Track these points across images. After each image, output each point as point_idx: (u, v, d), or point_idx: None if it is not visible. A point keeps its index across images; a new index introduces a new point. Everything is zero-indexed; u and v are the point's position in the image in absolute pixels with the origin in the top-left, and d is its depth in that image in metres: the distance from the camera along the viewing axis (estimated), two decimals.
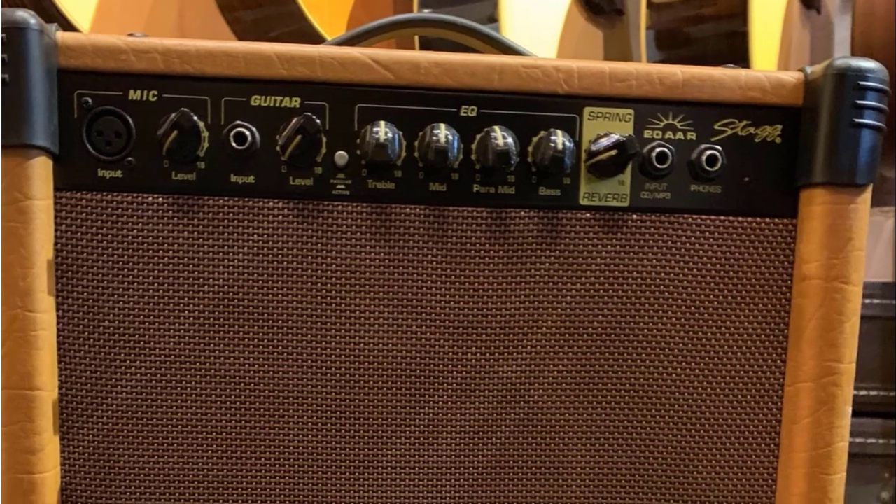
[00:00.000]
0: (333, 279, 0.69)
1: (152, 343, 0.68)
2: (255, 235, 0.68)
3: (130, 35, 0.67)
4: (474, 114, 0.69)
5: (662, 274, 0.70)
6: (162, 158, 0.67)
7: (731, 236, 0.70)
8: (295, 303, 0.69)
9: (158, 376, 0.69)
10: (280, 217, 0.68)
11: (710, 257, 0.70)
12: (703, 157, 0.69)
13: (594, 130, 0.69)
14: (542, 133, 0.68)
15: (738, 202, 0.71)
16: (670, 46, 1.79)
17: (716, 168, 0.69)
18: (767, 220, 0.71)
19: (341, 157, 0.68)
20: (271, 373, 0.69)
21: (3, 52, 0.63)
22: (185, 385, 0.69)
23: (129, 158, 0.67)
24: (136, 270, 0.67)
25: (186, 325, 0.68)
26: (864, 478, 1.63)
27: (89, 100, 0.66)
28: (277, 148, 0.67)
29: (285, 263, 0.68)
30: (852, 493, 1.55)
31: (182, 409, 0.69)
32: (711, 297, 0.71)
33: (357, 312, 0.69)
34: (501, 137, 0.67)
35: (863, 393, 1.59)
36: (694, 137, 0.70)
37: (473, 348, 0.70)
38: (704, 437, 0.73)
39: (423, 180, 0.69)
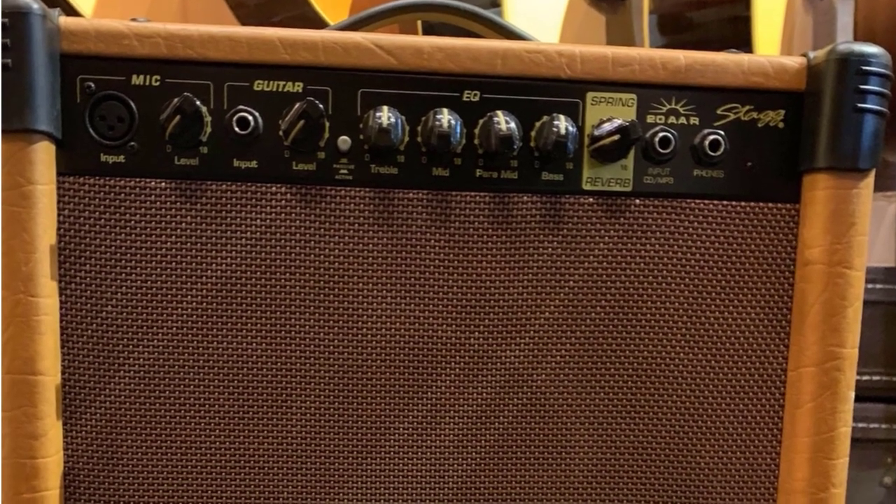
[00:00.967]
0: (336, 264, 0.70)
1: (155, 328, 0.69)
2: (258, 220, 0.69)
3: (133, 20, 0.68)
4: (477, 99, 0.69)
5: (665, 259, 0.71)
6: (165, 143, 0.68)
7: (733, 221, 0.71)
8: (298, 287, 0.70)
9: (161, 361, 0.70)
10: (283, 202, 0.69)
11: (713, 242, 0.71)
12: (706, 142, 0.70)
13: (597, 115, 0.70)
14: (545, 118, 0.69)
15: (740, 187, 0.71)
16: (673, 31, 1.79)
17: (718, 153, 0.70)
18: (770, 204, 0.71)
19: (344, 141, 0.69)
20: (274, 357, 0.70)
21: (5, 37, 0.64)
22: (188, 369, 0.70)
23: (132, 143, 0.68)
24: (138, 255, 0.68)
25: (189, 309, 0.69)
26: (866, 462, 1.63)
27: (92, 85, 0.67)
28: (280, 133, 0.68)
29: (288, 248, 0.69)
30: (855, 478, 1.56)
31: (185, 394, 0.70)
32: (714, 281, 0.72)
33: (360, 297, 0.70)
34: (504, 122, 0.68)
35: (865, 378, 1.60)
36: (697, 122, 0.71)
37: (476, 333, 0.71)
38: (707, 422, 0.74)
39: (425, 165, 0.70)
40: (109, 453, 0.71)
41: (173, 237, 0.69)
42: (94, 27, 0.67)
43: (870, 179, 0.70)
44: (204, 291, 0.69)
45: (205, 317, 0.69)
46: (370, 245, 0.70)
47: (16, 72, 0.64)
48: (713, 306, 0.72)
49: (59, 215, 0.68)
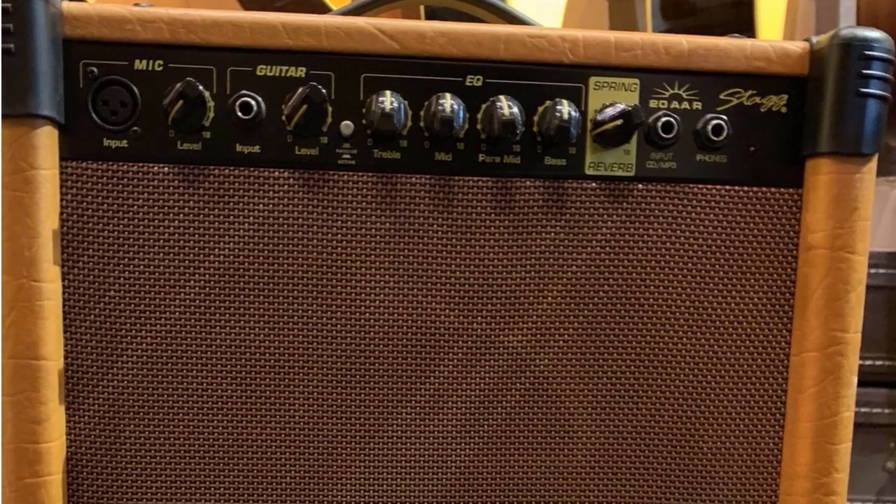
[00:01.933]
0: (339, 248, 0.71)
1: (158, 312, 0.70)
2: (261, 205, 0.70)
3: (136, 5, 0.69)
4: (480, 84, 0.70)
5: (668, 243, 0.72)
6: (167, 128, 0.69)
7: (736, 206, 0.72)
8: (301, 272, 0.71)
9: (164, 346, 0.71)
10: (285, 187, 0.70)
11: (716, 227, 0.72)
12: (709, 127, 0.71)
13: (600, 100, 0.71)
14: (548, 103, 0.70)
15: (743, 172, 0.73)
16: (676, 16, 1.80)
17: (721, 138, 0.71)
18: (773, 189, 0.73)
19: (347, 126, 0.70)
20: (277, 341, 0.71)
21: (8, 22, 0.65)
22: (190, 354, 0.71)
23: (135, 128, 0.69)
24: (141, 240, 0.70)
25: (192, 294, 0.70)
26: (869, 447, 1.65)
27: (95, 69, 0.68)
28: (283, 118, 0.69)
29: (291, 233, 0.70)
30: (858, 463, 1.58)
31: (188, 378, 0.71)
32: (717, 266, 0.73)
33: (363, 281, 0.71)
34: (507, 107, 0.69)
35: (868, 362, 1.61)
36: (700, 107, 0.72)
37: (479, 318, 0.72)
38: (710, 407, 0.75)
39: (428, 150, 0.71)
40: (112, 438, 0.72)
41: (176, 222, 0.70)
42: (96, 12, 0.68)
43: (872, 164, 0.71)
44: (207, 276, 0.70)
45: (208, 301, 0.71)
46: (373, 230, 0.71)
47: (18, 57, 0.65)
48: (716, 291, 0.73)
49: (61, 200, 0.69)
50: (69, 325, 0.70)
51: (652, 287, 0.73)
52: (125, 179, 0.69)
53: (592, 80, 0.71)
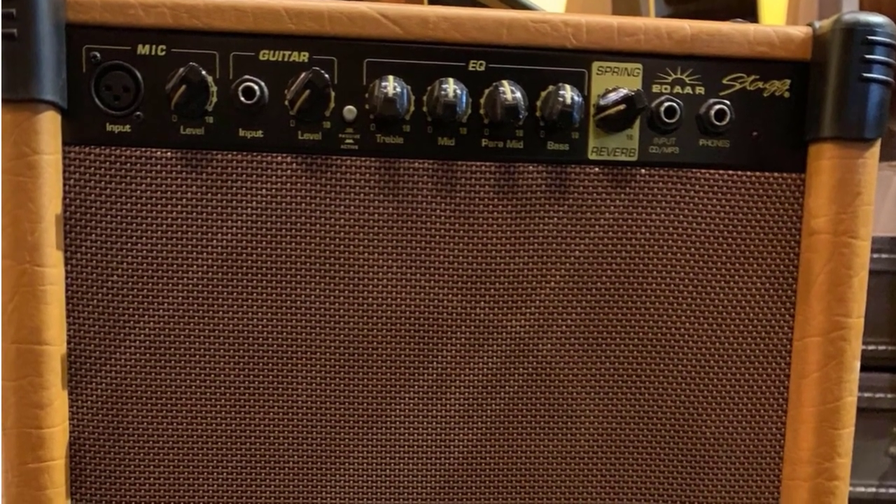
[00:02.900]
0: (342, 234, 0.72)
1: (161, 297, 0.71)
2: (264, 190, 0.71)
3: None
4: (483, 68, 0.71)
5: (671, 228, 0.73)
6: (170, 113, 0.70)
7: (739, 191, 0.73)
8: (303, 257, 0.72)
9: (167, 331, 0.72)
10: (288, 171, 0.71)
11: (719, 212, 0.73)
12: (712, 112, 0.72)
13: (602, 85, 0.72)
14: (551, 88, 0.71)
15: (746, 157, 0.73)
16: (679, 1, 1.81)
17: (724, 123, 0.72)
18: (776, 174, 0.73)
19: (350, 111, 0.71)
20: (279, 327, 0.72)
21: (11, 7, 0.66)
22: (193, 339, 0.72)
23: (138, 113, 0.70)
24: (144, 225, 0.70)
25: (195, 279, 0.71)
26: (872, 432, 1.65)
27: (98, 54, 0.69)
28: (286, 102, 0.70)
29: (294, 218, 0.71)
30: (860, 448, 1.58)
31: (191, 364, 0.72)
32: (720, 251, 0.74)
33: (365, 267, 0.72)
34: (510, 92, 0.70)
35: (871, 347, 1.61)
36: (702, 92, 0.73)
37: (482, 303, 0.73)
38: (713, 392, 0.76)
39: (431, 135, 0.72)
40: (115, 423, 0.73)
41: (179, 207, 0.71)
42: None
43: (875, 149, 0.72)
44: (210, 261, 0.71)
45: (211, 286, 0.71)
46: (376, 215, 0.72)
47: (21, 42, 0.66)
48: (719, 276, 0.74)
49: (64, 185, 0.70)
50: (72, 310, 0.71)
51: (655, 272, 0.74)
52: (128, 164, 0.70)
53: (595, 65, 0.72)
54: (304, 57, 0.70)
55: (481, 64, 0.71)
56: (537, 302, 0.73)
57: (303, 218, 0.71)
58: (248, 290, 0.72)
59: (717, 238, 0.74)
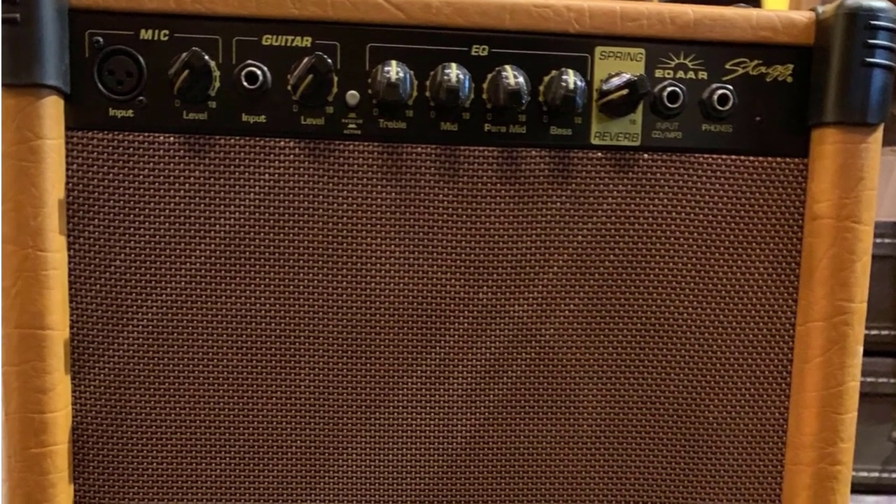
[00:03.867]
0: (345, 218, 0.72)
1: (164, 282, 0.72)
2: (267, 175, 0.72)
3: None
4: (485, 53, 0.72)
5: (674, 213, 0.74)
6: (173, 98, 0.71)
7: (742, 176, 0.74)
8: (306, 242, 0.72)
9: (170, 315, 0.73)
10: (291, 156, 0.72)
11: (722, 197, 0.74)
12: (715, 97, 0.73)
13: (605, 70, 0.73)
14: (554, 72, 0.72)
15: (749, 142, 0.74)
16: None
17: (727, 107, 0.73)
18: (779, 159, 0.74)
19: (352, 96, 0.72)
20: (283, 311, 0.73)
21: None
22: (196, 324, 0.73)
23: (141, 98, 0.71)
24: (147, 210, 0.71)
25: (198, 264, 0.72)
26: (875, 417, 1.65)
27: (100, 39, 0.70)
28: (289, 87, 0.71)
29: (296, 202, 0.72)
30: (863, 433, 1.59)
31: (193, 348, 0.73)
32: (723, 236, 0.75)
33: (368, 252, 0.73)
34: (513, 77, 0.70)
35: (874, 332, 1.62)
36: (705, 77, 0.74)
37: (485, 288, 0.74)
38: (716, 377, 0.76)
39: (434, 120, 0.72)
40: (118, 408, 0.73)
41: (182, 192, 0.71)
42: None
43: (878, 134, 0.73)
44: (213, 246, 0.72)
45: (213, 271, 0.72)
46: (378, 199, 0.72)
47: (24, 26, 0.67)
48: (721, 261, 0.75)
49: (67, 170, 0.70)
50: (74, 295, 0.72)
51: (657, 257, 0.74)
52: (131, 149, 0.71)
53: (598, 49, 0.73)
54: (306, 42, 0.71)
55: (484, 49, 0.72)
56: (540, 286, 0.74)
57: (305, 203, 0.72)
58: (252, 274, 0.72)
59: (719, 223, 0.74)
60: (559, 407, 0.76)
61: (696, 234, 0.74)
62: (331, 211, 0.72)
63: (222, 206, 0.72)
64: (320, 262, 0.73)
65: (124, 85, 0.70)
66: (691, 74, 0.73)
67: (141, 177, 0.71)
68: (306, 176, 0.72)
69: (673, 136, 0.74)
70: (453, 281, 0.74)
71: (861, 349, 0.75)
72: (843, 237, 0.73)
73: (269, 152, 0.71)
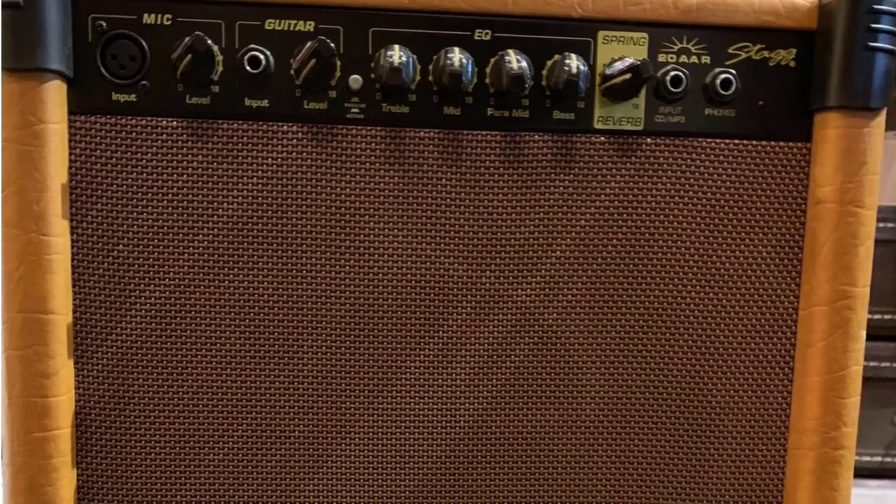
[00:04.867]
0: (347, 203, 0.73)
1: (166, 267, 0.73)
2: (270, 159, 0.72)
3: None
4: (488, 38, 0.73)
5: (676, 198, 0.75)
6: (176, 82, 0.71)
7: (745, 160, 0.75)
8: (309, 226, 0.73)
9: (173, 300, 0.73)
10: (294, 141, 0.72)
11: (725, 181, 0.75)
12: (718, 81, 0.74)
13: (608, 54, 0.74)
14: (557, 57, 0.73)
15: (752, 126, 0.75)
16: None
17: (730, 92, 0.74)
18: (781, 143, 0.75)
19: (355, 80, 0.72)
20: (285, 297, 0.74)
21: None
22: (199, 309, 0.74)
23: (144, 82, 0.71)
24: (150, 194, 0.72)
25: (201, 248, 0.73)
26: (878, 401, 1.66)
27: (103, 23, 0.70)
28: (291, 72, 0.72)
29: (299, 187, 0.73)
30: (866, 417, 1.59)
31: (196, 333, 0.74)
32: (725, 220, 0.75)
33: (371, 236, 0.74)
34: (516, 61, 0.71)
35: (877, 317, 1.62)
36: (708, 61, 0.74)
37: (487, 272, 0.75)
38: (718, 362, 0.77)
39: (437, 104, 0.73)
40: (121, 392, 0.74)
41: (185, 176, 0.72)
42: None
43: (881, 118, 0.73)
44: (215, 230, 0.73)
45: (216, 255, 0.73)
46: (381, 184, 0.73)
47: (27, 10, 0.67)
48: (724, 245, 0.76)
49: (70, 154, 0.71)
50: (78, 280, 0.72)
51: (660, 241, 0.75)
52: (134, 133, 0.71)
53: (601, 34, 0.73)
54: (309, 26, 0.72)
55: (487, 33, 0.73)
56: (543, 270, 0.75)
57: (308, 187, 0.73)
58: (255, 258, 0.73)
59: (722, 207, 0.75)
60: (562, 390, 0.77)
61: (698, 218, 0.75)
62: (333, 195, 0.73)
63: (225, 191, 0.72)
64: (323, 247, 0.73)
65: (127, 69, 0.71)
66: (694, 59, 0.74)
67: (144, 161, 0.72)
68: (309, 160, 0.72)
69: (676, 121, 0.74)
70: (456, 265, 0.74)
71: (864, 333, 0.75)
72: (846, 221, 0.73)
73: (272, 137, 0.72)
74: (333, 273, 0.74)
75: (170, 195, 0.72)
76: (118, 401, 0.74)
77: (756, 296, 0.76)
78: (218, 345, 0.74)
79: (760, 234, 0.75)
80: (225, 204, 0.72)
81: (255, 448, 0.76)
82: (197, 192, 0.72)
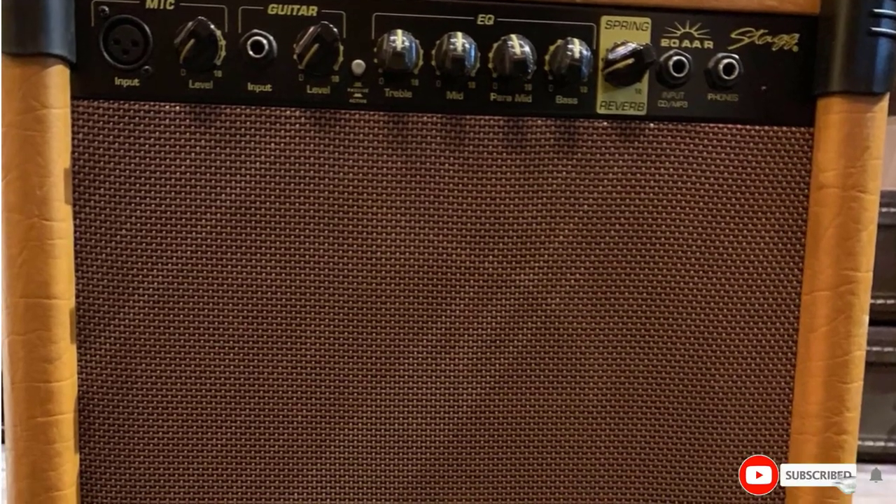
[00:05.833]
0: (350, 187, 0.74)
1: (169, 251, 0.73)
2: (272, 144, 0.73)
3: None
4: (491, 22, 0.73)
5: (679, 183, 0.75)
6: (179, 67, 0.72)
7: (748, 145, 0.75)
8: (312, 211, 0.74)
9: (175, 284, 0.74)
10: (297, 125, 0.73)
11: (727, 166, 0.75)
12: (720, 66, 0.74)
13: (611, 39, 0.74)
14: (559, 42, 0.73)
15: (755, 111, 0.76)
16: None
17: (733, 77, 0.74)
18: (784, 128, 0.76)
19: (358, 65, 0.73)
20: (288, 281, 0.74)
21: None
22: (201, 293, 0.74)
23: (146, 67, 0.72)
24: (152, 179, 0.73)
25: (203, 233, 0.73)
26: (880, 386, 1.67)
27: (106, 8, 0.71)
28: (294, 57, 0.72)
29: (302, 172, 0.73)
30: (869, 402, 1.60)
31: (199, 317, 0.75)
32: (728, 205, 0.76)
33: (374, 221, 0.74)
34: (518, 46, 0.71)
35: (880, 301, 1.63)
36: (711, 46, 0.75)
37: (490, 257, 0.75)
38: (721, 346, 0.78)
39: (440, 89, 0.74)
40: (124, 377, 0.75)
41: (187, 161, 0.73)
42: None
43: (884, 103, 0.74)
44: (218, 215, 0.73)
45: (219, 240, 0.74)
46: (384, 168, 0.74)
47: None
48: (727, 230, 0.76)
49: (73, 139, 0.72)
50: (80, 265, 0.73)
51: (663, 226, 0.76)
52: (136, 118, 0.72)
53: (604, 19, 0.74)
54: (312, 11, 0.72)
55: (490, 18, 0.73)
56: (546, 255, 0.75)
57: (311, 172, 0.73)
58: (257, 243, 0.74)
59: (725, 192, 0.76)
60: (565, 375, 0.78)
61: (701, 203, 0.76)
62: (336, 180, 0.73)
63: (228, 176, 0.73)
64: (326, 232, 0.74)
65: (130, 54, 0.72)
66: (697, 44, 0.75)
67: (147, 146, 0.72)
68: (312, 145, 0.73)
69: (679, 106, 0.75)
70: (459, 249, 0.75)
71: (867, 318, 0.76)
72: (849, 206, 0.74)
73: (275, 122, 0.73)
74: (336, 257, 0.74)
75: (172, 180, 0.73)
76: (121, 385, 0.75)
77: (759, 280, 0.77)
78: (221, 329, 0.75)
79: (763, 219, 0.76)
80: (228, 189, 0.73)
81: (258, 432, 0.76)
82: (200, 177, 0.73)
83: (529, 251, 0.75)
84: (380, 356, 0.76)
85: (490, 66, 0.74)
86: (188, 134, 0.72)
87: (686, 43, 0.75)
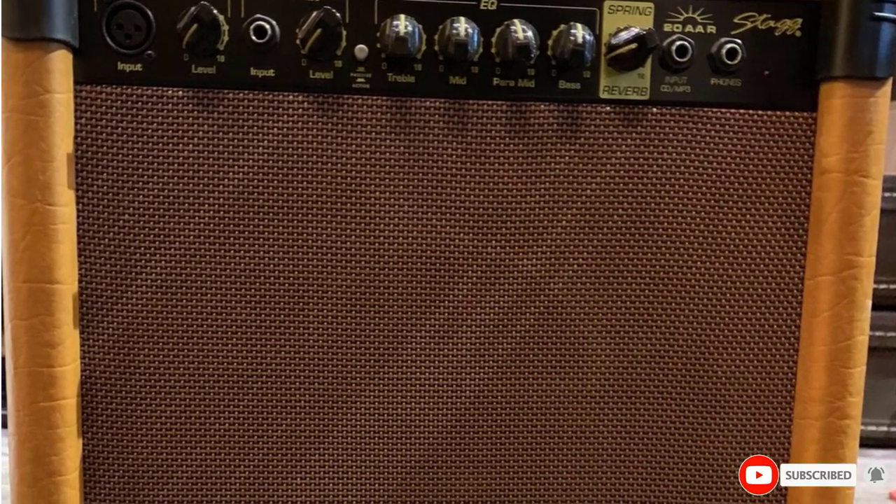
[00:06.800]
0: (353, 172, 0.74)
1: (172, 236, 0.74)
2: (275, 129, 0.73)
3: None
4: (494, 7, 0.74)
5: (682, 167, 0.76)
6: (182, 52, 0.72)
7: (751, 130, 0.76)
8: (315, 196, 0.74)
9: (178, 269, 0.74)
10: (300, 110, 0.73)
11: (730, 151, 0.76)
12: (723, 51, 0.75)
13: (614, 24, 0.75)
14: (562, 27, 0.74)
15: (758, 96, 0.76)
16: None
17: (736, 61, 0.75)
18: (787, 113, 0.76)
19: (361, 50, 0.73)
20: (291, 265, 0.75)
21: None
22: (204, 278, 0.75)
23: (149, 52, 0.72)
24: (155, 164, 0.73)
25: (206, 218, 0.74)
26: (883, 371, 1.67)
27: None
28: (297, 41, 0.73)
29: (305, 157, 0.74)
30: (872, 387, 1.60)
31: (202, 302, 0.75)
32: (731, 190, 0.76)
33: (377, 205, 0.75)
34: (521, 31, 0.72)
35: (882, 286, 1.64)
36: (714, 31, 0.75)
37: (493, 242, 0.76)
38: (724, 331, 0.78)
39: (442, 74, 0.74)
40: (126, 362, 0.75)
41: (190, 146, 0.73)
42: None
43: (887, 88, 0.74)
44: (221, 200, 0.74)
45: (222, 225, 0.74)
46: (387, 153, 0.74)
47: None
48: (730, 215, 0.77)
49: (76, 124, 0.72)
50: (83, 249, 0.74)
51: (666, 211, 0.76)
52: (139, 103, 0.73)
53: (607, 3, 0.74)
54: None
55: (493, 2, 0.74)
56: (548, 241, 0.76)
57: (314, 157, 0.74)
58: (260, 228, 0.74)
59: (728, 177, 0.76)
60: (568, 360, 0.78)
61: (704, 188, 0.76)
62: (339, 165, 0.74)
63: (231, 161, 0.73)
64: (329, 216, 0.74)
65: (133, 39, 0.72)
66: (700, 28, 0.75)
67: (150, 131, 0.73)
68: (315, 130, 0.73)
69: (682, 91, 0.75)
70: (462, 235, 0.75)
71: (869, 303, 0.76)
72: (852, 191, 0.74)
73: (278, 106, 0.73)
74: (340, 242, 0.75)
75: (175, 165, 0.73)
76: (124, 370, 0.75)
77: (762, 265, 0.77)
78: (224, 314, 0.75)
79: (766, 204, 0.76)
80: (231, 174, 0.73)
81: (261, 417, 0.77)
82: (203, 162, 0.73)
83: (533, 236, 0.76)
84: (383, 341, 0.77)
85: (493, 50, 0.74)
86: (191, 119, 0.73)
87: (689, 28, 0.75)
